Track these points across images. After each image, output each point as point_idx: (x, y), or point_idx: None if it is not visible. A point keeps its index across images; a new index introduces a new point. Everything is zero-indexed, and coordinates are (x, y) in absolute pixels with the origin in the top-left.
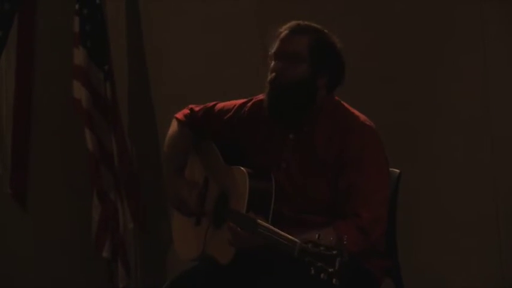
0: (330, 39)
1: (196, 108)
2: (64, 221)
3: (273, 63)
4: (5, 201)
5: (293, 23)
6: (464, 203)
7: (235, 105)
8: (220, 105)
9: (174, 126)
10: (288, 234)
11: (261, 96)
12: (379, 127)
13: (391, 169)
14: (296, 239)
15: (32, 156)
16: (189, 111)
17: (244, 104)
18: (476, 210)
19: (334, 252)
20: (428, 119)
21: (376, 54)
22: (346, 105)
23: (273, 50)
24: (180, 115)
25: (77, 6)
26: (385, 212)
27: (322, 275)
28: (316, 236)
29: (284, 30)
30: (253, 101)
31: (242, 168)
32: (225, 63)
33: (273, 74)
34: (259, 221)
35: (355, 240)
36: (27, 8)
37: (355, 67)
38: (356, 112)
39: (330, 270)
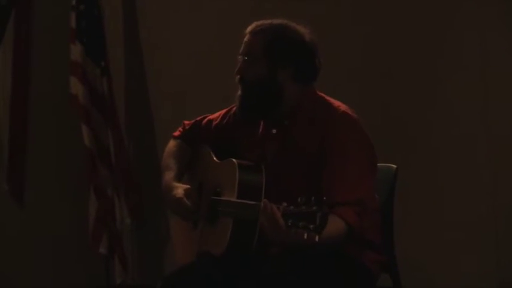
0: (290, 33)
1: (187, 122)
2: (61, 217)
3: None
4: (2, 197)
5: (253, 24)
6: (461, 200)
7: (221, 114)
8: (209, 117)
9: (171, 142)
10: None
11: None
12: (377, 122)
13: (388, 164)
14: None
15: (29, 152)
16: (182, 126)
17: (229, 110)
18: (473, 207)
19: (314, 208)
20: (426, 115)
21: (373, 50)
22: (327, 97)
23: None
24: (176, 132)
25: (73, 2)
26: (371, 196)
27: (305, 235)
28: (298, 199)
29: (246, 32)
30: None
31: (233, 159)
32: (222, 60)
33: (237, 75)
34: (237, 200)
35: (353, 218)
36: (23, 3)
37: (352, 63)
38: (337, 102)
39: (311, 226)
